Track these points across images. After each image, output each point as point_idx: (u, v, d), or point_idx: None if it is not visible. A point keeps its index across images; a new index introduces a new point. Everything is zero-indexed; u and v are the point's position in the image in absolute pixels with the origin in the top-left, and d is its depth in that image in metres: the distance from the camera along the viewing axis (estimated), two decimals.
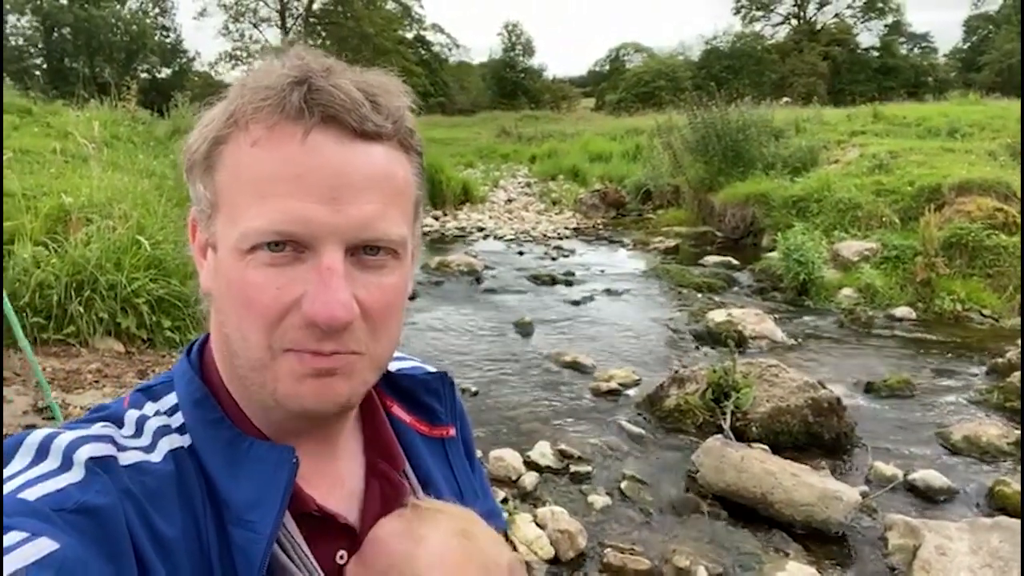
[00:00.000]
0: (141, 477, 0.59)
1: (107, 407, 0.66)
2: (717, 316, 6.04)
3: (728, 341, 4.48)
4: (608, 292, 7.12)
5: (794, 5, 57.97)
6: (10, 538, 0.49)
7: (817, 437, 3.95)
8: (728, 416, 3.96)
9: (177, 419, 0.65)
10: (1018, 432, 3.97)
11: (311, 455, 0.67)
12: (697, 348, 5.55)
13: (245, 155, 0.59)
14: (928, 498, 3.43)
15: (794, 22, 58.64)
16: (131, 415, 0.64)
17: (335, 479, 0.71)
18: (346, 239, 0.59)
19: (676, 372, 4.39)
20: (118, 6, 51.91)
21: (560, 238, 10.29)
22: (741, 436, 3.88)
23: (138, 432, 0.63)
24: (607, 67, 71.29)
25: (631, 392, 4.52)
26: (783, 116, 13.64)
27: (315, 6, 50.32)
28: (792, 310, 6.84)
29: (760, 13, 60.00)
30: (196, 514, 0.60)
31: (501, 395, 4.44)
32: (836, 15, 53.78)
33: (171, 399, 0.67)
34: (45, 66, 52.08)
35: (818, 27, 55.53)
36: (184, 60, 52.93)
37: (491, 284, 7.42)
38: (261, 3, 49.04)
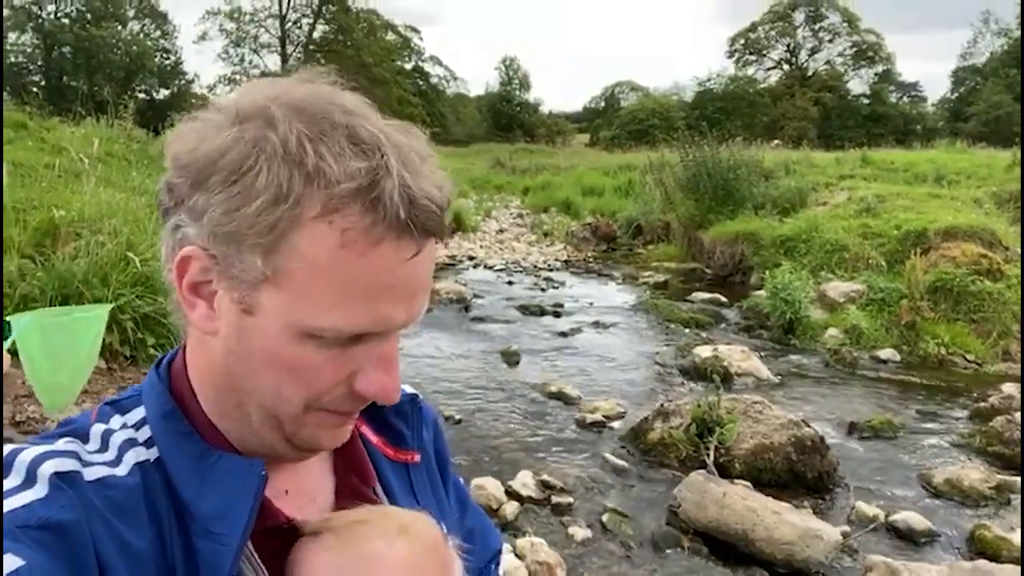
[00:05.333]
0: (107, 492, 0.58)
1: (74, 421, 0.66)
2: (703, 351, 6.05)
3: (713, 376, 4.48)
4: (596, 324, 7.13)
5: (786, 51, 59.16)
6: None
7: (800, 475, 3.94)
8: (712, 451, 3.95)
9: (144, 433, 0.65)
10: (1000, 477, 3.98)
11: (281, 471, 0.68)
12: (683, 383, 5.55)
13: (331, 252, 0.56)
14: (909, 540, 3.42)
15: (786, 67, 59.79)
16: (96, 429, 0.64)
17: (306, 494, 0.71)
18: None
19: (661, 405, 4.39)
20: (119, 27, 52.33)
21: (550, 269, 10.33)
22: (724, 472, 3.87)
23: (103, 447, 0.62)
24: (602, 104, 72.25)
25: (616, 424, 4.51)
26: (773, 157, 13.86)
27: (315, 34, 50.97)
28: (778, 348, 6.87)
29: (753, 57, 61.17)
30: (162, 526, 0.60)
31: (485, 424, 4.41)
32: (828, 62, 54.90)
33: (138, 413, 0.67)
34: (44, 83, 52.23)
35: (810, 73, 56.59)
36: (183, 82, 53.25)
37: (480, 313, 7.42)
38: (262, 29, 49.62)
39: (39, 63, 52.54)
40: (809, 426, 4.24)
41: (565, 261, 11.13)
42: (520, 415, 4.59)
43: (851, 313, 7.30)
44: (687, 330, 7.12)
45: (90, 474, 0.59)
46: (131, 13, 54.72)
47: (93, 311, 3.30)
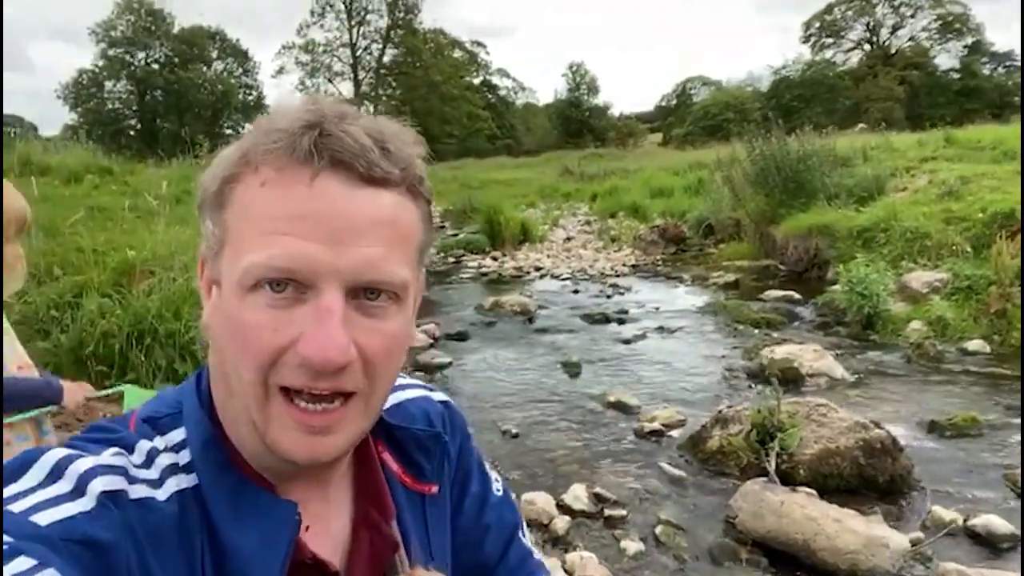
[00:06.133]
0: (146, 515, 0.59)
1: (115, 430, 0.66)
2: (773, 352, 5.85)
3: (772, 380, 4.33)
4: (661, 330, 7.01)
5: (866, 30, 56.64)
6: (20, 563, 0.50)
7: (870, 480, 3.75)
8: (773, 458, 3.81)
9: (184, 456, 0.65)
10: None
11: (303, 499, 0.67)
12: (750, 387, 5.38)
13: (254, 194, 0.60)
14: (989, 545, 3.20)
15: (867, 47, 57.23)
16: (143, 445, 0.64)
17: (323, 525, 0.71)
18: (346, 280, 0.59)
19: (720, 412, 4.27)
20: (205, 68, 55.36)
21: (617, 275, 10.23)
22: (788, 479, 3.72)
23: (148, 463, 0.63)
24: (674, 101, 71.05)
25: (674, 433, 4.42)
26: (849, 143, 13.26)
27: (385, 59, 52.44)
28: (856, 345, 6.56)
29: (830, 40, 58.85)
30: (193, 562, 0.61)
31: (541, 437, 4.41)
32: (911, 38, 52.23)
33: (178, 434, 0.67)
34: (139, 126, 55.71)
35: (893, 51, 54.00)
36: (265, 115, 55.91)
37: (543, 323, 7.43)
38: (335, 59, 51.44)
39: (134, 108, 56.11)
40: (880, 427, 4.03)
41: (633, 266, 11.00)
42: (577, 427, 4.57)
43: (935, 304, 6.90)
44: (757, 331, 6.91)
45: (134, 492, 0.60)
46: (215, 54, 57.76)
47: None
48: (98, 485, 0.58)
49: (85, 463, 0.59)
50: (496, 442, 4.33)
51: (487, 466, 0.92)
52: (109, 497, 0.58)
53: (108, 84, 54.77)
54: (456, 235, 14.28)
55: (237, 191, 0.62)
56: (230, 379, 0.63)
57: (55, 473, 0.58)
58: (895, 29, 54.37)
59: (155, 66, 55.30)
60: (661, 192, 16.89)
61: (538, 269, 10.79)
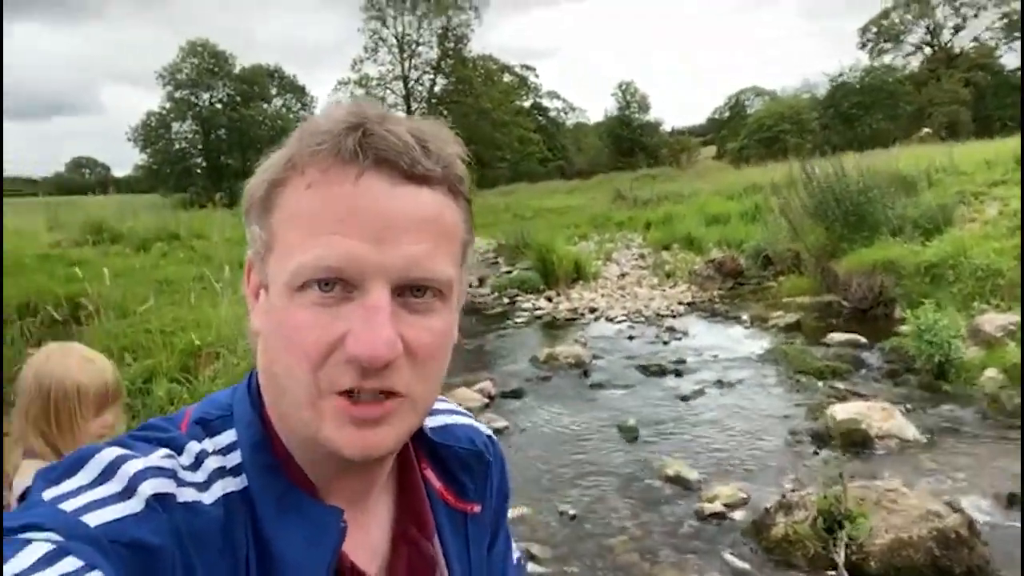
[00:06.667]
0: (193, 518, 0.60)
1: (166, 429, 0.67)
2: (839, 412, 5.65)
3: (840, 474, 4.16)
4: (720, 384, 6.88)
5: (926, 33, 54.94)
6: (68, 563, 0.50)
7: (945, 572, 3.58)
8: (842, 550, 3.68)
9: (232, 459, 0.66)
10: None
11: (345, 506, 0.67)
12: (815, 453, 5.22)
13: (300, 196, 0.62)
14: None
15: (927, 50, 55.46)
16: (192, 447, 0.65)
17: (363, 536, 0.71)
18: (392, 278, 0.60)
19: (783, 497, 4.15)
20: (265, 105, 57.31)
21: (673, 316, 10.09)
22: (859, 572, 3.60)
23: (196, 466, 0.64)
24: (727, 113, 70.12)
25: (737, 515, 4.31)
26: (912, 161, 12.82)
27: (436, 88, 53.35)
28: (927, 397, 6.30)
29: (889, 45, 57.27)
30: (238, 565, 0.61)
31: (599, 519, 4.37)
32: (975, 38, 50.41)
33: (228, 436, 0.68)
34: (204, 164, 57.96)
35: (956, 52, 52.20)
36: None
37: (599, 377, 7.37)
38: (388, 91, 52.61)
39: (199, 147, 58.40)
40: (955, 508, 3.87)
41: (689, 304, 10.83)
42: (635, 506, 4.50)
43: (1010, 350, 6.57)
44: (821, 383, 6.70)
45: (182, 495, 0.60)
46: (274, 91, 59.76)
47: None
48: (148, 488, 0.58)
49: (136, 464, 0.59)
50: (554, 526, 4.31)
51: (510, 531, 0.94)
52: (158, 500, 0.58)
53: (175, 125, 57.22)
54: (509, 272, 14.35)
55: (284, 195, 0.63)
56: (279, 379, 0.64)
57: (107, 473, 0.58)
58: (957, 30, 52.56)
59: (218, 106, 57.52)
60: (716, 219, 16.63)
61: (592, 311, 10.73)
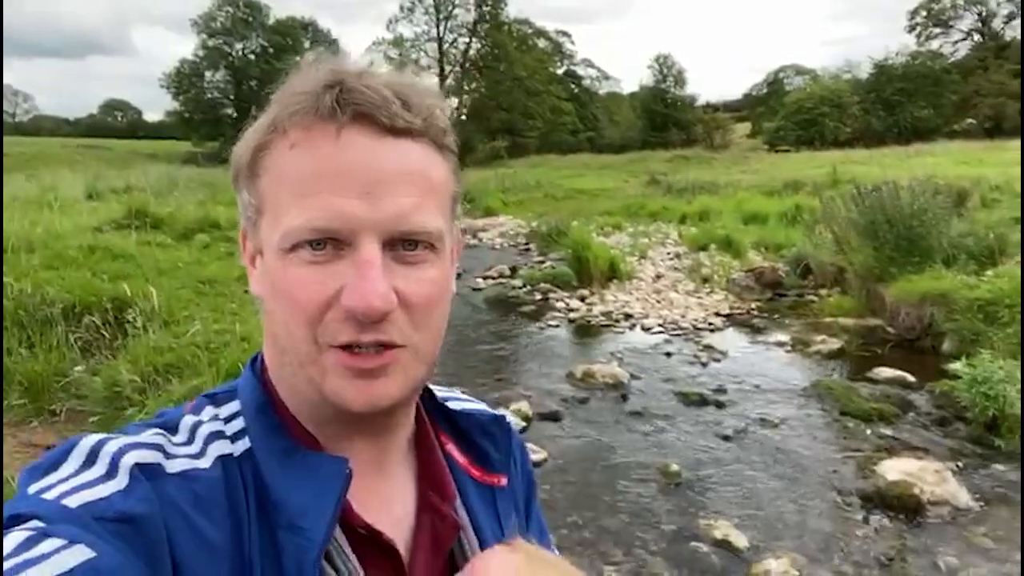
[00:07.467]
0: (190, 484, 0.59)
1: (167, 413, 0.69)
2: (889, 471, 5.51)
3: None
4: (762, 422, 6.72)
5: (977, 19, 53.19)
6: (48, 545, 0.49)
7: None
8: None
9: (233, 426, 0.67)
10: None
11: (361, 473, 0.67)
12: (865, 519, 5.08)
13: (285, 158, 0.63)
14: None
15: (977, 37, 53.77)
16: (186, 421, 0.66)
17: (383, 502, 0.71)
18: (383, 232, 0.61)
19: None
20: (298, 59, 57.07)
21: (711, 329, 9.89)
22: None
23: (190, 439, 0.64)
24: (764, 90, 68.74)
25: None
26: (961, 167, 12.38)
27: (471, 52, 52.54)
28: (978, 453, 6.12)
29: (938, 30, 55.62)
30: (241, 520, 0.61)
31: None
32: None
33: (232, 407, 0.69)
34: (235, 115, 58.15)
35: (1006, 42, 50.57)
36: None
37: (637, 402, 7.25)
38: (422, 53, 51.95)
39: (231, 97, 58.42)
40: None
41: (727, 316, 10.62)
42: (682, 575, 4.40)
43: None
44: (868, 430, 6.53)
45: (173, 467, 0.60)
46: (307, 44, 59.44)
47: None
48: (130, 459, 0.58)
49: (116, 443, 0.59)
50: None
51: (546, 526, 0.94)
52: (142, 470, 0.58)
53: (208, 74, 57.18)
54: (542, 262, 14.19)
55: (269, 158, 0.64)
56: (280, 339, 0.64)
57: (90, 459, 0.58)
58: (1010, 18, 50.79)
59: (251, 56, 57.30)
60: (755, 217, 16.30)
61: (628, 316, 10.56)
